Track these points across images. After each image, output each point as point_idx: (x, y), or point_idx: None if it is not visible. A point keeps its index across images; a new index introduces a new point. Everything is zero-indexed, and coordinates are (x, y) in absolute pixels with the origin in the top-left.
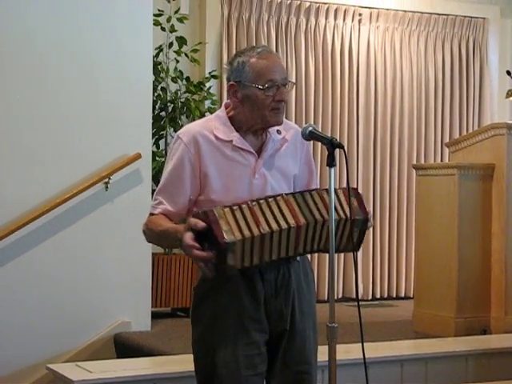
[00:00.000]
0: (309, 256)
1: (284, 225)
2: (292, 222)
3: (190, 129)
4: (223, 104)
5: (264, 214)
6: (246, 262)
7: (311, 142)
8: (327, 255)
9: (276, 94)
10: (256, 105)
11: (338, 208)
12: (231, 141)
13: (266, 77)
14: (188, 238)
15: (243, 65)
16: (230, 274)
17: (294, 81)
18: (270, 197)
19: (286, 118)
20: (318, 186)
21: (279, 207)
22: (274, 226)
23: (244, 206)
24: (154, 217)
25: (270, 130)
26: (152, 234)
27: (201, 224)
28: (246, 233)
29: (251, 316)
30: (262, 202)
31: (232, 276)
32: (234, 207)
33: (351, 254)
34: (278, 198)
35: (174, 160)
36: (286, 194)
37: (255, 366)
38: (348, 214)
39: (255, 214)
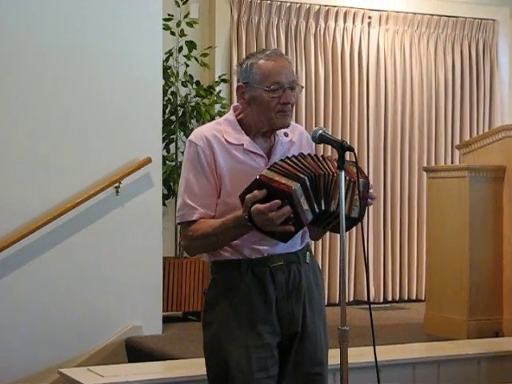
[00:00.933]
0: (320, 259)
1: (312, 173)
2: (331, 168)
3: (201, 132)
4: (231, 107)
5: (296, 165)
6: (317, 205)
7: (321, 145)
8: (338, 258)
9: (282, 96)
10: (262, 107)
11: (326, 166)
12: (242, 144)
13: (273, 79)
14: (258, 205)
15: (251, 66)
16: (309, 221)
17: (303, 84)
18: (291, 156)
19: (296, 121)
20: None
21: (300, 161)
22: (309, 172)
23: (275, 164)
24: (196, 224)
25: (278, 132)
26: (203, 240)
27: (259, 192)
28: (300, 176)
29: (263, 318)
30: (285, 159)
31: (243, 279)
32: (271, 167)
33: (363, 257)
34: (299, 155)
35: (194, 164)
36: (301, 155)
37: (268, 368)
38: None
39: (288, 167)
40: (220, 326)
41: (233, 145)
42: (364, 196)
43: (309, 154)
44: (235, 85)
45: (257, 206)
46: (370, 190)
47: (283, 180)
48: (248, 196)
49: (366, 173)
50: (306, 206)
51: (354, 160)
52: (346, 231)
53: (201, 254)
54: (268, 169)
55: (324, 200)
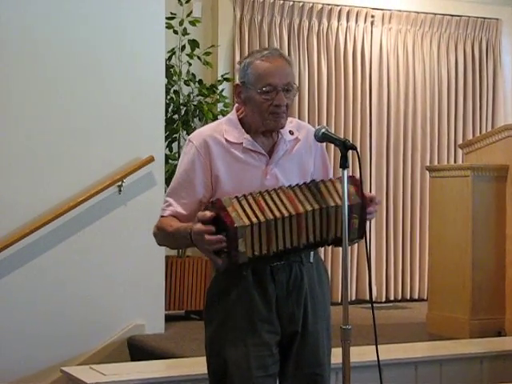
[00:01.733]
0: (322, 258)
1: (285, 213)
2: (292, 210)
3: (201, 132)
4: (235, 106)
5: (267, 203)
6: (256, 250)
7: (325, 144)
8: (340, 257)
9: (275, 98)
10: (255, 108)
11: (335, 196)
12: (241, 143)
13: (266, 80)
14: (198, 225)
15: (248, 66)
16: (241, 262)
17: (304, 83)
18: (272, 189)
19: (299, 119)
20: None
21: (280, 198)
22: (277, 213)
23: (249, 196)
24: (164, 218)
25: (282, 130)
26: (163, 235)
27: (209, 214)
28: (254, 219)
29: (262, 317)
30: (264, 193)
31: (244, 278)
32: (240, 197)
33: (365, 256)
34: (279, 189)
35: (184, 163)
36: (287, 187)
37: (267, 366)
38: (327, 203)
39: (260, 203)
40: (220, 323)
41: (232, 143)
42: (363, 217)
43: (297, 185)
44: None
45: (198, 224)
46: (374, 206)
47: (233, 214)
48: (199, 213)
49: (367, 176)
50: (242, 249)
51: (356, 178)
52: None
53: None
54: (237, 196)
55: (267, 245)
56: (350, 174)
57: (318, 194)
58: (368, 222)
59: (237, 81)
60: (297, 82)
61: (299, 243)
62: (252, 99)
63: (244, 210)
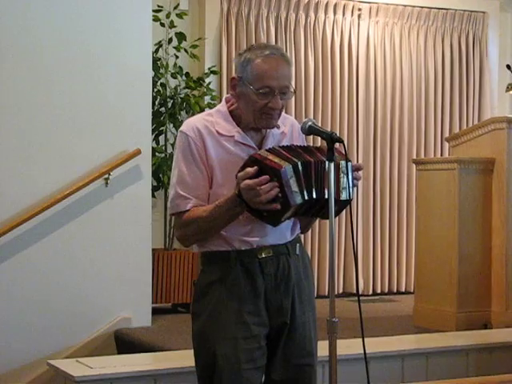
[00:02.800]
0: (309, 251)
1: (311, 158)
2: (314, 158)
3: (192, 122)
4: (224, 98)
5: (292, 151)
6: (306, 193)
7: (311, 136)
8: (327, 251)
9: (271, 100)
10: (249, 105)
11: (311, 154)
12: (233, 136)
13: (264, 82)
14: (247, 181)
15: (248, 62)
16: (298, 203)
17: (293, 89)
18: (286, 145)
19: (286, 113)
20: None
21: (292, 149)
22: (305, 157)
23: (276, 147)
24: (189, 212)
25: None
26: (197, 224)
27: (251, 168)
28: (295, 159)
29: (251, 310)
30: (284, 146)
31: (232, 270)
32: (272, 148)
33: (352, 249)
34: (292, 146)
35: (185, 155)
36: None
37: (255, 359)
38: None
39: (287, 151)
40: (208, 316)
41: (224, 136)
42: (350, 176)
43: (300, 146)
44: (225, 76)
45: (246, 181)
46: (357, 172)
47: (276, 159)
48: (240, 173)
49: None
50: (295, 188)
51: (345, 156)
52: (337, 216)
53: (191, 246)
54: (267, 149)
55: (315, 188)
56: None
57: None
58: (355, 212)
59: (234, 73)
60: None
61: (322, 193)
62: (247, 96)
63: (280, 156)
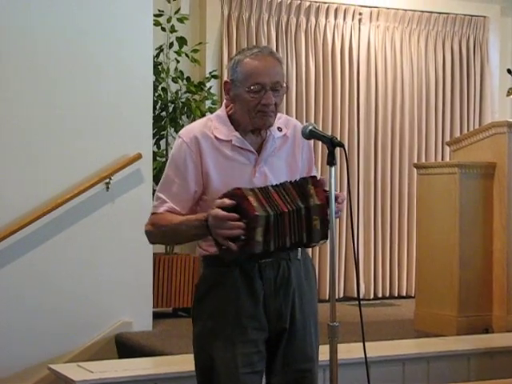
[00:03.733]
0: (310, 255)
1: (299, 205)
2: (312, 202)
3: (191, 129)
4: (224, 103)
5: (279, 196)
6: (271, 242)
7: (312, 140)
8: (327, 255)
9: (263, 97)
10: (243, 106)
11: (290, 200)
12: (230, 140)
13: (254, 79)
14: (219, 211)
15: (237, 64)
16: (256, 252)
17: (292, 82)
18: (276, 185)
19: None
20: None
21: (287, 193)
22: (289, 207)
23: (262, 188)
24: (160, 215)
25: (271, 127)
26: (162, 230)
27: (229, 201)
28: (270, 210)
29: (249, 314)
30: (271, 187)
31: (231, 275)
32: (255, 189)
33: (352, 252)
34: (284, 184)
35: (176, 160)
36: (287, 182)
37: (253, 363)
38: (299, 204)
39: (273, 196)
40: (207, 321)
41: (221, 141)
42: (324, 218)
43: (294, 184)
44: None
45: (217, 210)
46: (339, 204)
47: (255, 203)
48: (217, 200)
49: (355, 173)
50: (259, 238)
51: (346, 161)
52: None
53: (196, 250)
54: (250, 188)
55: (280, 239)
56: (317, 175)
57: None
58: (356, 217)
59: (226, 78)
60: (286, 81)
61: (299, 240)
62: (240, 97)
63: (260, 202)
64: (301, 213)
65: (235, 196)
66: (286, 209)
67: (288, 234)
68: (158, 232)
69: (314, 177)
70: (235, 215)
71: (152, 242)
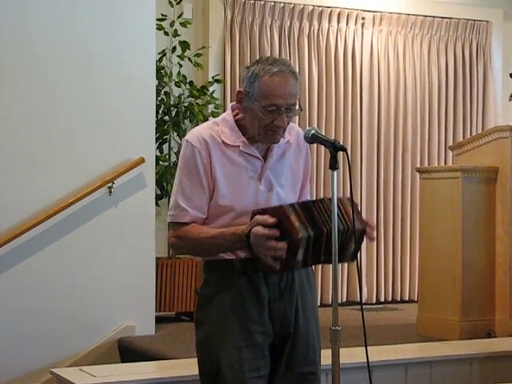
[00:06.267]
0: None
1: (340, 226)
2: (342, 225)
3: (198, 133)
4: (230, 106)
5: (320, 214)
6: (309, 259)
7: (314, 144)
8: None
9: (277, 118)
10: (254, 121)
11: (341, 217)
12: (238, 146)
13: (271, 100)
14: (261, 228)
15: (255, 78)
16: (294, 269)
17: (300, 108)
18: (318, 200)
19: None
20: (309, 189)
21: (326, 211)
22: (328, 227)
23: (303, 205)
24: (186, 226)
25: None
26: (192, 243)
27: (271, 219)
28: (310, 231)
29: (255, 319)
30: (316, 202)
31: (236, 279)
32: (296, 206)
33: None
34: (323, 201)
35: (188, 166)
36: (328, 199)
37: (258, 368)
38: (349, 224)
39: (313, 214)
40: (212, 325)
41: (229, 146)
42: (359, 241)
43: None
44: (229, 85)
45: (260, 228)
46: (373, 231)
47: (296, 223)
48: (258, 216)
49: (358, 178)
50: (300, 257)
51: (353, 200)
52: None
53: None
54: (291, 205)
55: (324, 255)
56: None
57: (345, 212)
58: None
59: (240, 86)
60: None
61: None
62: (253, 112)
63: (301, 221)
64: (341, 234)
65: (277, 214)
66: (325, 229)
67: (323, 253)
68: (186, 245)
69: (352, 200)
70: (276, 233)
71: (180, 253)
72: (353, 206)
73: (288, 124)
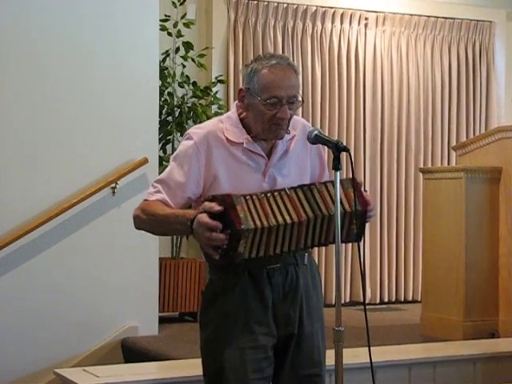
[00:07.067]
0: (316, 260)
1: (288, 220)
2: (295, 217)
3: (202, 128)
4: (234, 104)
5: (271, 207)
6: (253, 252)
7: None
8: (333, 259)
9: (279, 110)
10: (257, 116)
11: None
12: (242, 143)
13: (271, 92)
14: (204, 216)
15: (254, 73)
16: (236, 262)
17: (302, 98)
18: (275, 190)
19: None
20: (329, 179)
21: (284, 202)
22: (281, 219)
23: (254, 196)
24: (151, 202)
25: None
26: (150, 218)
27: (217, 207)
28: (258, 223)
29: (259, 320)
30: (269, 195)
31: (240, 280)
32: (247, 197)
33: (358, 258)
34: (282, 192)
35: (181, 156)
36: (289, 189)
37: (262, 369)
38: (347, 207)
39: (264, 207)
40: (216, 326)
41: (233, 143)
42: (362, 222)
43: (310, 186)
44: (232, 85)
45: (203, 215)
46: (370, 213)
47: (242, 214)
48: (206, 203)
49: (361, 178)
50: (241, 249)
51: (351, 177)
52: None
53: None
54: (243, 195)
55: (263, 250)
56: (351, 176)
57: (320, 198)
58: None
59: (241, 85)
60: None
61: (297, 247)
62: (255, 107)
63: (250, 212)
64: (329, 218)
65: (224, 203)
66: (303, 217)
67: (303, 240)
68: (145, 219)
69: (354, 179)
70: (218, 225)
71: (138, 227)
72: (354, 187)
73: (291, 117)
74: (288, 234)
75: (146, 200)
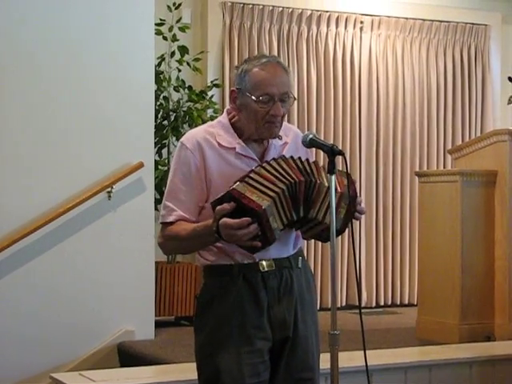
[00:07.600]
0: (312, 263)
1: (292, 180)
2: (295, 176)
3: (193, 135)
4: (225, 109)
5: (271, 173)
6: (284, 220)
7: (313, 149)
8: (329, 263)
9: (272, 108)
10: (251, 115)
11: (324, 179)
12: (234, 148)
13: (263, 89)
14: (227, 220)
15: (245, 73)
16: (277, 238)
17: (295, 95)
18: (265, 161)
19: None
20: None
21: (280, 165)
22: (287, 180)
23: (251, 174)
24: (170, 225)
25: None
26: (176, 240)
27: (229, 205)
28: (271, 193)
29: (254, 324)
30: (264, 164)
31: (235, 284)
32: (245, 178)
33: (354, 262)
34: (272, 160)
35: (181, 167)
36: (280, 157)
37: (259, 373)
38: (339, 189)
39: (266, 176)
40: (211, 331)
41: (225, 148)
42: (349, 209)
43: (291, 157)
44: (228, 89)
45: (225, 220)
46: (361, 205)
47: (254, 196)
48: (217, 208)
49: (357, 181)
50: (274, 225)
51: (346, 169)
52: (326, 241)
53: (196, 259)
54: (240, 181)
55: (303, 207)
56: (346, 177)
57: (308, 166)
58: (358, 225)
59: (233, 86)
60: (293, 91)
61: (316, 216)
62: (248, 106)
63: (258, 189)
64: (320, 187)
65: (232, 198)
66: (301, 178)
67: (302, 205)
68: (170, 244)
69: (347, 172)
70: (244, 221)
71: (166, 253)
72: (348, 177)
73: (284, 116)
74: (301, 195)
75: (163, 223)
